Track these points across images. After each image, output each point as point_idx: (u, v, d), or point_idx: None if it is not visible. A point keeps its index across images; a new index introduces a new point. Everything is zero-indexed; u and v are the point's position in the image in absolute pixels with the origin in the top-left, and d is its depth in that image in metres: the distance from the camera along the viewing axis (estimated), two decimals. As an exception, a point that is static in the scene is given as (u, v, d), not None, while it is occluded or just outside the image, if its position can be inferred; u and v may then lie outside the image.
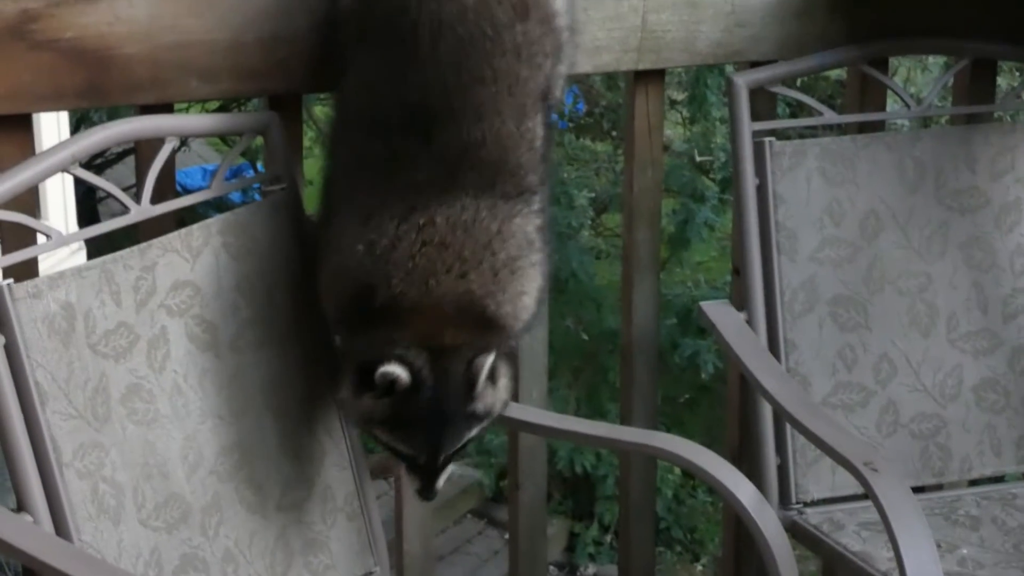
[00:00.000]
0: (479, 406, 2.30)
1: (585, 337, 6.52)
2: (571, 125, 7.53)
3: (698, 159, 6.68)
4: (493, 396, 2.32)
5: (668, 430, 4.19)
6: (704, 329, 6.25)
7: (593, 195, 6.78)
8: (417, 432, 2.30)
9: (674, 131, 7.50)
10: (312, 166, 7.62)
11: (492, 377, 2.31)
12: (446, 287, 2.26)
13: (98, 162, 6.70)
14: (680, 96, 6.87)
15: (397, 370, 2.23)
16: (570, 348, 6.45)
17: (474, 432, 2.33)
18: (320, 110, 7.18)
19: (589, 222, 6.86)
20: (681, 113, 7.09)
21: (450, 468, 2.36)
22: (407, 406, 2.26)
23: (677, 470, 6.20)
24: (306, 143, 7.34)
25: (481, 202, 2.28)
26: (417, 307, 2.26)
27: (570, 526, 5.98)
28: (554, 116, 7.61)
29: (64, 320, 2.21)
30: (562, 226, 6.69)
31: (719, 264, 6.96)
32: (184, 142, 7.52)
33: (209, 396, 2.40)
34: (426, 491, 2.36)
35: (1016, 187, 2.92)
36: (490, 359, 2.27)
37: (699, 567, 6.05)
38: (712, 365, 6.07)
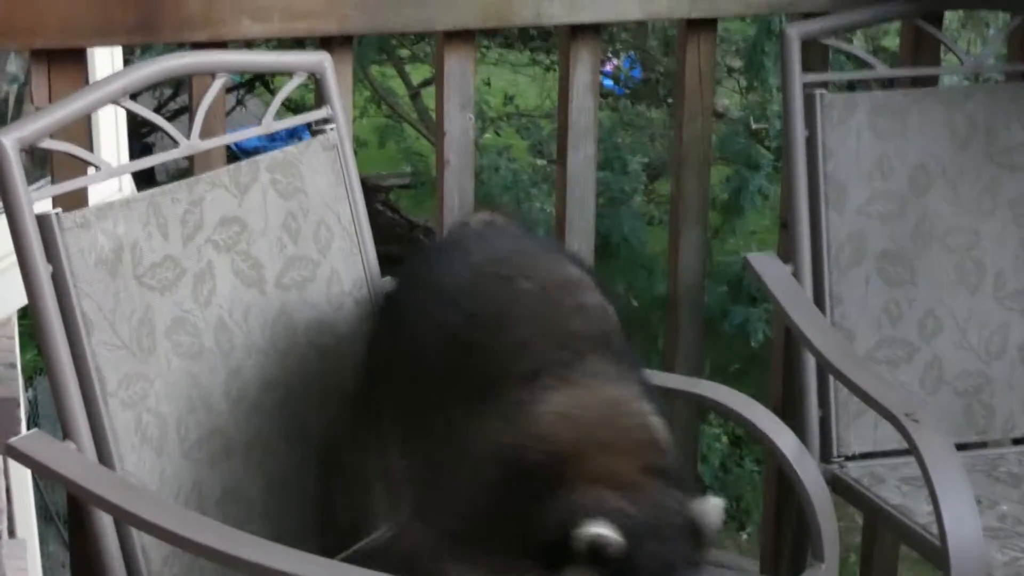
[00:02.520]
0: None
1: (635, 303, 6.54)
2: (627, 91, 7.54)
3: (753, 126, 6.67)
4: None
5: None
6: (755, 297, 6.24)
7: (647, 160, 6.78)
8: None
9: (730, 99, 7.48)
10: (366, 126, 7.66)
11: None
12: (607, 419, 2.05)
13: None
14: (737, 63, 6.86)
15: (602, 530, 1.88)
16: (620, 314, 6.44)
17: None
18: (376, 70, 7.20)
19: (642, 188, 6.87)
20: (738, 81, 7.08)
21: None
22: (625, 566, 1.89)
23: (724, 438, 6.21)
24: (360, 102, 7.39)
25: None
26: (588, 451, 2.00)
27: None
28: (610, 83, 7.60)
29: (111, 251, 2.22)
30: (615, 191, 6.70)
31: (772, 233, 6.95)
32: (240, 101, 7.56)
33: (254, 332, 2.42)
34: None
35: (1069, 146, 2.90)
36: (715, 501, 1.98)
37: (744, 536, 6.06)
38: (762, 333, 6.06)
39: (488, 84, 7.47)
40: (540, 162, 7.04)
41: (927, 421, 2.35)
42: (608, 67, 7.46)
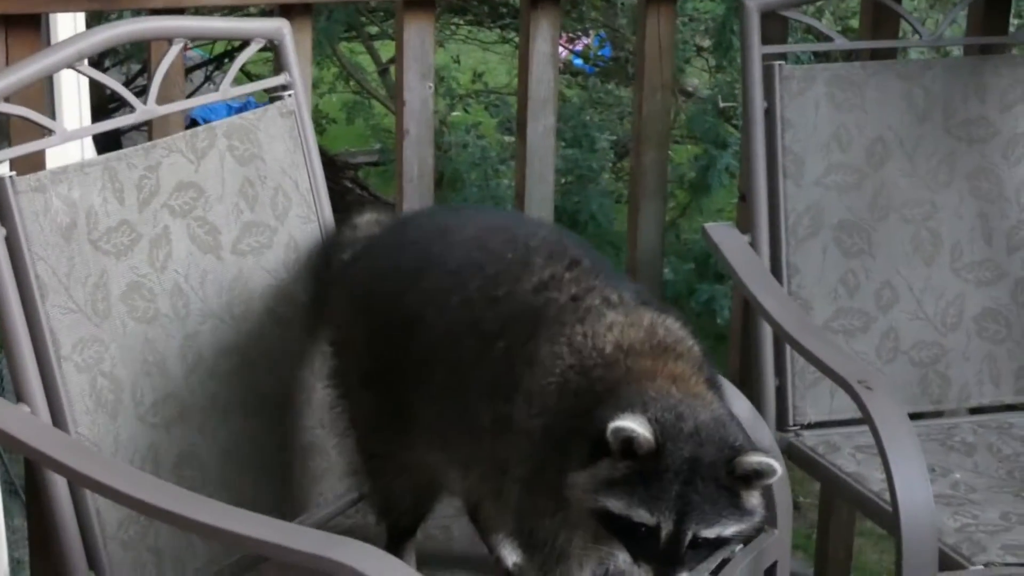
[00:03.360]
0: (744, 496, 1.98)
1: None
2: (597, 69, 7.54)
3: (721, 105, 6.67)
4: (757, 499, 2.01)
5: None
6: (721, 275, 6.25)
7: (615, 138, 6.79)
8: (663, 493, 1.94)
9: (700, 78, 7.49)
10: (335, 102, 7.63)
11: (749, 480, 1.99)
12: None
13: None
14: (707, 42, 6.86)
15: (630, 423, 1.92)
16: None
17: (731, 526, 1.97)
18: (345, 47, 7.18)
19: (610, 165, 6.86)
20: (707, 60, 7.08)
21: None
22: (654, 462, 1.94)
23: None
24: (329, 78, 7.35)
25: None
26: (653, 352, 2.06)
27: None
28: (579, 61, 7.57)
29: (66, 215, 2.22)
30: (583, 169, 6.70)
31: (739, 211, 6.95)
32: (208, 77, 7.53)
33: (210, 298, 2.42)
34: None
35: (1025, 119, 2.92)
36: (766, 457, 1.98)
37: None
38: (728, 311, 6.06)
39: (457, 62, 7.45)
40: (508, 139, 7.02)
41: (880, 389, 2.36)
42: (578, 46, 7.46)
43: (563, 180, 6.99)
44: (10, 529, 4.26)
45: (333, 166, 8.08)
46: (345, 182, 7.81)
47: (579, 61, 7.57)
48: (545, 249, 2.19)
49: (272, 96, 2.58)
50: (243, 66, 2.57)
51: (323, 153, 3.03)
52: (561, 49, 7.58)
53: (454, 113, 7.40)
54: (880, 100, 2.86)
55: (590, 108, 7.10)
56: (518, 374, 2.08)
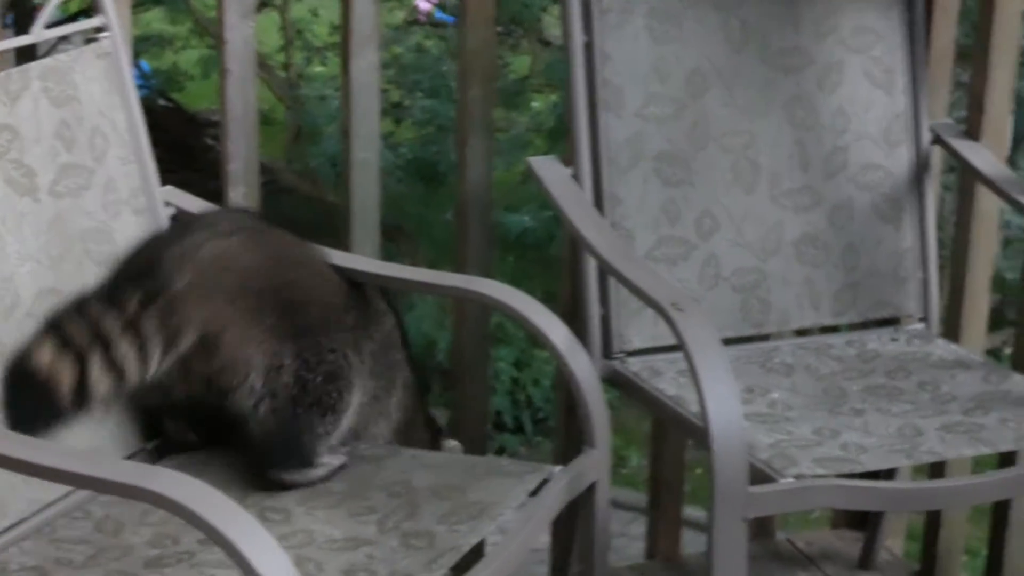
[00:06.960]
0: None
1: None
2: (456, 19, 7.54)
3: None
4: None
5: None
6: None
7: (473, 88, 6.80)
8: None
9: (558, 27, 7.51)
10: (191, 58, 7.52)
11: None
12: None
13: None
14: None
15: None
16: (451, 241, 6.48)
17: None
18: (198, 0, 7.13)
19: (469, 115, 6.86)
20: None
21: None
22: None
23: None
24: (183, 34, 7.26)
25: None
26: None
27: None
28: (440, 13, 7.51)
29: None
30: (443, 119, 6.70)
31: (598, 158, 6.98)
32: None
33: (27, 240, 2.42)
34: None
35: (839, 48, 2.97)
36: None
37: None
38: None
39: (316, 15, 7.43)
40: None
41: (692, 311, 2.42)
42: (439, -3, 7.47)
43: (422, 131, 6.99)
44: None
45: (195, 123, 8.03)
46: (206, 139, 7.77)
47: (441, 13, 7.57)
48: None
49: (88, 38, 2.58)
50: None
51: (183, 111, 3.00)
52: (423, 1, 7.59)
53: (317, 69, 7.37)
54: (697, 31, 2.90)
55: (449, 59, 7.10)
56: None
